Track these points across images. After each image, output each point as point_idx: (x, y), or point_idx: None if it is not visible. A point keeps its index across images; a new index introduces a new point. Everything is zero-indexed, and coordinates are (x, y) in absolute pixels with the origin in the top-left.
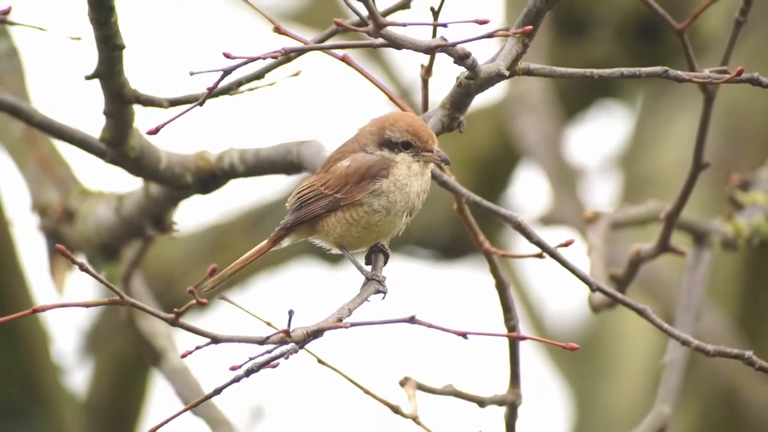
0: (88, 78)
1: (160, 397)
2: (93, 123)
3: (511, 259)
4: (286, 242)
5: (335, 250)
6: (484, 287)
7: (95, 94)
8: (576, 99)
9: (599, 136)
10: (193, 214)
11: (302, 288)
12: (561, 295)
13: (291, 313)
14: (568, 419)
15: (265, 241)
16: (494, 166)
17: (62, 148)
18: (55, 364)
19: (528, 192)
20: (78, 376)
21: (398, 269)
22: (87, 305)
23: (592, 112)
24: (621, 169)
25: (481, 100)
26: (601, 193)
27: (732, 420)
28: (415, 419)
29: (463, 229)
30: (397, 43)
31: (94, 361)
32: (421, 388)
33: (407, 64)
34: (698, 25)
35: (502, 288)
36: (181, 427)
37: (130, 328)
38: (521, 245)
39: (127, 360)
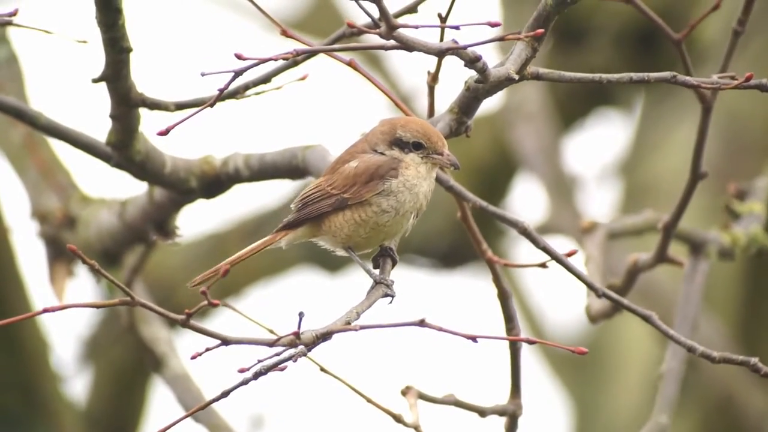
0: (95, 81)
1: (159, 406)
2: (96, 128)
3: (512, 268)
4: (284, 242)
5: (340, 252)
6: (483, 296)
7: (99, 98)
8: (574, 108)
9: (598, 144)
10: (194, 223)
11: (301, 297)
12: (561, 305)
13: (301, 315)
14: (568, 429)
15: (267, 236)
16: (493, 175)
17: (62, 155)
18: (55, 372)
19: (526, 201)
20: (77, 385)
21: (399, 278)
22: (96, 306)
23: (591, 120)
24: (620, 178)
25: (479, 110)
26: (601, 202)
27: (730, 429)
28: (416, 428)
29: (463, 238)
30: (408, 45)
31: (93, 369)
32: (422, 397)
33: (407, 72)
34: (696, 33)
35: (504, 298)
36: None
37: (131, 334)
38: (521, 254)
39: (127, 369)
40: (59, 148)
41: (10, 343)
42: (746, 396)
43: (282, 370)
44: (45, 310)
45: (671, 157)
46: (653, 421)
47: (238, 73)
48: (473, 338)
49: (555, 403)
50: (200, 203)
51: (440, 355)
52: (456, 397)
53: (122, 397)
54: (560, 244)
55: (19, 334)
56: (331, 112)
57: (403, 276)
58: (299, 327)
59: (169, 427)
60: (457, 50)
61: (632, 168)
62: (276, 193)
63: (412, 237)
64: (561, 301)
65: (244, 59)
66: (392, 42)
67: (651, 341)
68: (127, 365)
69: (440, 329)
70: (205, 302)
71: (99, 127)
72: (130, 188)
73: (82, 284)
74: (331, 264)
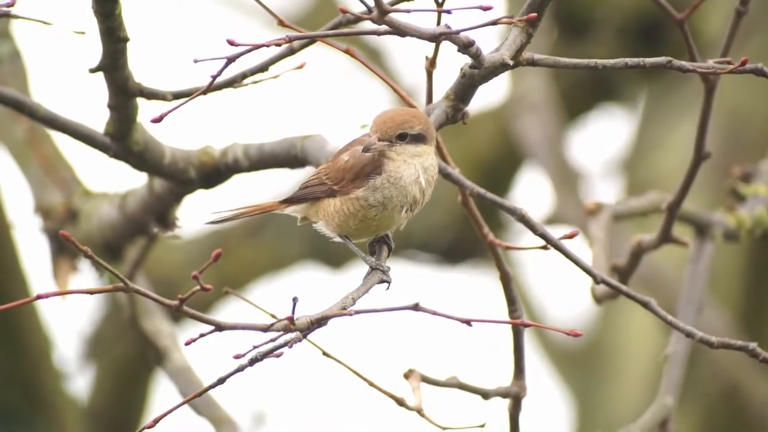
0: (92, 71)
1: (161, 403)
2: (96, 120)
3: (513, 260)
4: (287, 210)
5: (337, 239)
6: (484, 291)
7: (99, 89)
8: (578, 102)
9: (601, 139)
10: (196, 219)
11: (304, 293)
12: (562, 299)
13: (295, 300)
14: (569, 423)
15: (273, 201)
16: (497, 168)
17: (65, 149)
18: (57, 369)
19: (530, 194)
20: (80, 382)
21: (399, 272)
22: (91, 292)
23: (594, 115)
24: (623, 173)
25: (483, 102)
26: (604, 197)
27: (734, 418)
28: (419, 411)
29: (464, 233)
30: (401, 31)
31: (95, 366)
32: (425, 380)
33: (408, 67)
34: (699, 25)
35: (506, 280)
36: (184, 427)
37: (133, 327)
38: (522, 244)
39: (129, 365)
40: (62, 142)
41: (12, 340)
42: (751, 385)
43: (278, 356)
44: (39, 297)
45: (673, 153)
46: (658, 402)
47: (230, 60)
48: (467, 322)
49: (556, 398)
50: (203, 198)
51: (439, 344)
52: (459, 379)
53: (125, 394)
54: (564, 233)
55: (21, 330)
56: (330, 102)
57: (405, 271)
58: (293, 312)
59: (166, 414)
60: (449, 35)
61: (634, 164)
62: (279, 189)
63: (415, 232)
64: (562, 294)
65: (237, 45)
66: (384, 27)
67: (652, 335)
68: (129, 362)
69: (434, 313)
70: (198, 287)
71: (97, 117)
72: (133, 178)
73: (86, 279)
74: (334, 260)
